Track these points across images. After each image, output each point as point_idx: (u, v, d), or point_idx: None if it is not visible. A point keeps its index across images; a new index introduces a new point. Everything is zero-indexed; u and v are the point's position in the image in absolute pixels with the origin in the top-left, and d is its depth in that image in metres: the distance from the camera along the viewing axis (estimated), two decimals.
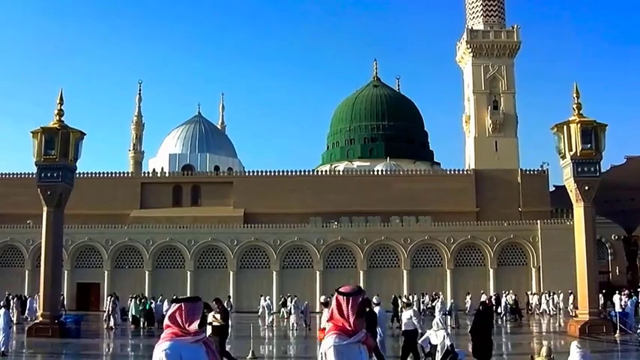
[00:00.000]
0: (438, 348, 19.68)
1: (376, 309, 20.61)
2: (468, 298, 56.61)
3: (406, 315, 20.81)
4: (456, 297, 55.52)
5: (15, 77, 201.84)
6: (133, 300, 44.50)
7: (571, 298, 52.35)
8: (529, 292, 61.02)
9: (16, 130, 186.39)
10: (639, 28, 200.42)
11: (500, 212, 70.28)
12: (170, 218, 69.51)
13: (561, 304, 55.46)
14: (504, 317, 50.60)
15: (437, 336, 19.95)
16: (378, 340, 20.37)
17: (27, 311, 48.47)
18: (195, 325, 5.64)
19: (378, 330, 20.28)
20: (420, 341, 20.94)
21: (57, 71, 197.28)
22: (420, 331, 20.85)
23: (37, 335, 31.80)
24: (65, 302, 54.48)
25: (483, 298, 47.63)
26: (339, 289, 5.94)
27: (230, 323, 21.48)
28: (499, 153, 78.13)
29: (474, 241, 65.36)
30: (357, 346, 5.72)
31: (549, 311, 54.87)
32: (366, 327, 18.80)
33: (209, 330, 20.79)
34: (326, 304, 21.61)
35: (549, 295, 56.66)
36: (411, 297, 51.36)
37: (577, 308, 38.55)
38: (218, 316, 20.77)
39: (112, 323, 41.22)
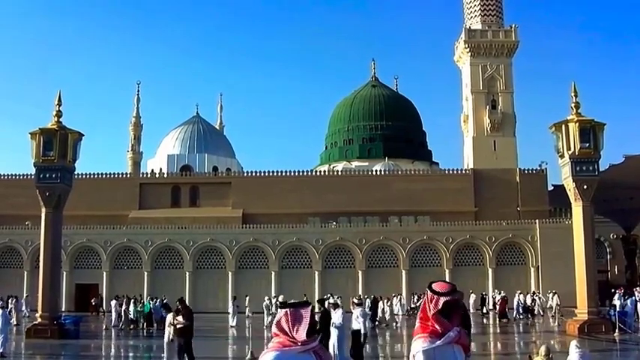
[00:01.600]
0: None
1: (358, 310, 20.48)
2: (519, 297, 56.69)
3: (354, 315, 20.63)
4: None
5: (13, 78, 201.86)
6: (131, 301, 44.48)
7: (556, 298, 52.48)
8: (518, 292, 61.00)
9: (14, 131, 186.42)
10: (638, 27, 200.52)
11: (499, 212, 70.31)
12: (169, 219, 69.49)
13: (548, 304, 55.43)
14: (516, 316, 50.67)
15: None
16: (335, 340, 20.39)
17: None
18: (302, 333, 5.15)
19: (335, 331, 20.23)
20: None
21: (55, 72, 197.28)
22: (363, 331, 20.54)
23: (36, 336, 31.76)
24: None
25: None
26: (432, 285, 5.61)
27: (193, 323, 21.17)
28: (497, 152, 78.17)
29: (472, 240, 65.38)
30: (449, 347, 5.41)
31: (537, 311, 54.79)
32: (319, 328, 18.83)
33: (167, 330, 20.76)
34: (336, 305, 21.62)
35: (534, 295, 56.72)
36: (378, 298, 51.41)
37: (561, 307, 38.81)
38: (180, 317, 20.69)
39: (121, 323, 41.56)
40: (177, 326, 20.05)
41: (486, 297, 57.64)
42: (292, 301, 5.76)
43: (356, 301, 22.11)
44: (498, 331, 42.91)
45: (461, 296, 5.61)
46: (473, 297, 57.32)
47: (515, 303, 51.73)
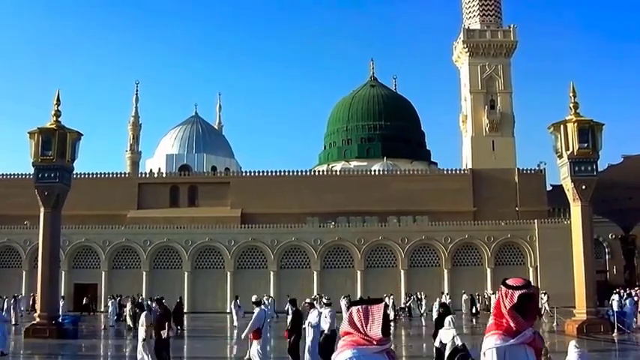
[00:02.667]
0: (448, 346, 19.66)
1: (326, 310, 20.42)
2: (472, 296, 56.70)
3: (322, 315, 20.58)
4: (453, 297, 55.59)
5: (12, 77, 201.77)
6: (129, 301, 44.47)
7: (545, 297, 52.62)
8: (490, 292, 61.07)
9: (13, 131, 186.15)
10: (636, 27, 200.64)
11: (498, 212, 70.31)
12: (167, 219, 69.47)
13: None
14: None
15: (447, 335, 19.96)
16: (310, 340, 20.38)
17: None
18: (377, 331, 4.82)
19: (310, 331, 20.23)
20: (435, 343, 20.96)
21: (54, 72, 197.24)
22: (330, 330, 20.45)
23: (35, 336, 31.74)
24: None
25: (444, 299, 48.03)
26: (505, 281, 5.37)
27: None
28: (496, 152, 78.24)
29: (471, 240, 65.36)
30: (521, 348, 5.16)
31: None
32: (291, 327, 18.58)
33: (142, 332, 20.71)
34: (312, 305, 21.57)
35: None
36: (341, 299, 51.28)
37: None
38: (143, 318, 20.58)
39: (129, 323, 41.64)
40: (163, 336, 19.98)
41: (476, 297, 57.53)
42: (365, 297, 5.45)
43: (325, 301, 22.08)
44: None
45: (536, 291, 5.36)
46: (464, 297, 57.38)
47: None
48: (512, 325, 5.12)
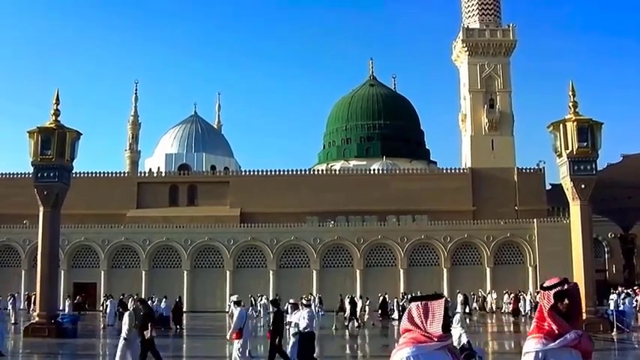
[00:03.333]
0: (455, 344, 19.60)
1: (305, 310, 20.41)
2: (506, 297, 56.78)
3: (300, 315, 20.54)
4: (452, 296, 55.53)
5: (11, 77, 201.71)
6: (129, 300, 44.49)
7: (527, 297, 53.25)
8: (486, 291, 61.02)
9: (12, 130, 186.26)
10: (636, 26, 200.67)
11: (497, 211, 70.33)
12: (167, 218, 69.50)
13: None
14: (528, 314, 50.99)
15: (453, 333, 19.99)
16: (291, 341, 20.40)
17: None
18: (437, 328, 4.69)
19: (292, 330, 20.22)
20: None
21: (53, 71, 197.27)
22: (309, 330, 20.37)
23: (34, 335, 31.71)
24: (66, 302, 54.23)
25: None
26: (543, 284, 5.20)
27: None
28: (495, 152, 78.31)
29: (470, 239, 65.34)
30: (566, 350, 4.95)
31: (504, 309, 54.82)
32: (272, 327, 18.45)
33: (124, 331, 20.70)
34: (296, 306, 21.56)
35: (509, 295, 56.95)
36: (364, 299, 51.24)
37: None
38: (126, 318, 20.52)
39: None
40: (147, 337, 19.92)
41: (471, 297, 57.56)
42: (425, 294, 5.28)
43: (304, 302, 22.10)
44: (498, 330, 42.92)
45: (574, 288, 5.14)
46: (460, 297, 57.20)
47: (527, 302, 52.19)
48: (554, 327, 4.97)
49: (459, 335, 19.61)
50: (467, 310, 54.85)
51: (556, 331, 4.93)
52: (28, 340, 31.26)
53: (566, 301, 5.01)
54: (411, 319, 4.78)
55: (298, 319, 20.05)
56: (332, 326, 42.13)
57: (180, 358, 31.43)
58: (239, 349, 18.83)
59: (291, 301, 23.39)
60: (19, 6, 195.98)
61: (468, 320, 47.81)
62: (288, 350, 20.21)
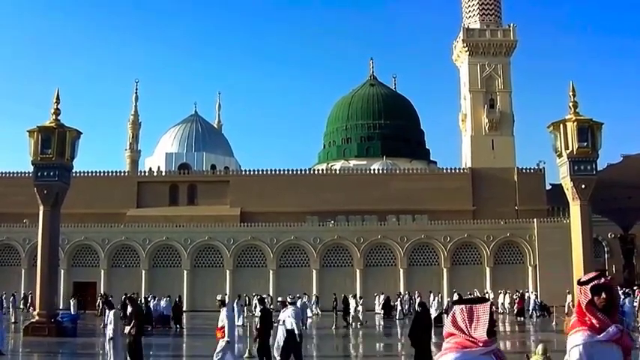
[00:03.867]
0: None
1: (290, 309, 20.41)
2: (501, 296, 56.80)
3: (286, 314, 20.55)
4: (453, 296, 55.50)
5: (11, 76, 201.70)
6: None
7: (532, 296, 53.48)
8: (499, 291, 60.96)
9: (12, 129, 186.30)
10: (636, 26, 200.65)
11: (497, 211, 70.29)
12: (167, 217, 69.48)
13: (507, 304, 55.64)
14: (533, 314, 51.01)
15: None
16: (280, 338, 20.40)
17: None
18: (482, 333, 4.53)
19: (281, 328, 20.23)
20: None
21: (53, 70, 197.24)
22: (297, 331, 20.36)
23: (34, 334, 31.75)
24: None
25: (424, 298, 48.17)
26: (580, 279, 5.02)
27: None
28: (495, 151, 78.32)
29: (470, 239, 65.32)
30: (609, 345, 4.80)
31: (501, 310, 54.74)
32: (260, 326, 18.40)
33: (110, 330, 20.70)
34: (284, 304, 21.56)
35: (504, 295, 56.92)
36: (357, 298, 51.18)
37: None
38: (111, 316, 20.52)
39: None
40: (126, 331, 19.92)
41: (463, 296, 57.58)
42: (469, 297, 5.12)
43: (289, 300, 22.16)
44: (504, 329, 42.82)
45: (612, 282, 4.96)
46: (456, 296, 57.21)
47: (532, 302, 52.17)
48: (594, 322, 4.82)
49: None
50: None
51: (597, 326, 4.80)
52: (27, 338, 31.31)
53: (603, 295, 4.86)
54: (454, 323, 4.63)
55: (285, 317, 20.12)
56: (332, 325, 42.19)
57: (180, 357, 31.50)
58: (220, 347, 18.75)
59: (280, 299, 23.52)
60: (19, 6, 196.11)
61: None
62: (275, 347, 20.25)
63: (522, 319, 48.70)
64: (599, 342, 4.75)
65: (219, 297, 20.09)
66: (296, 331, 19.69)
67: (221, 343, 18.55)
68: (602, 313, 4.82)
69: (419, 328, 18.90)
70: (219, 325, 18.60)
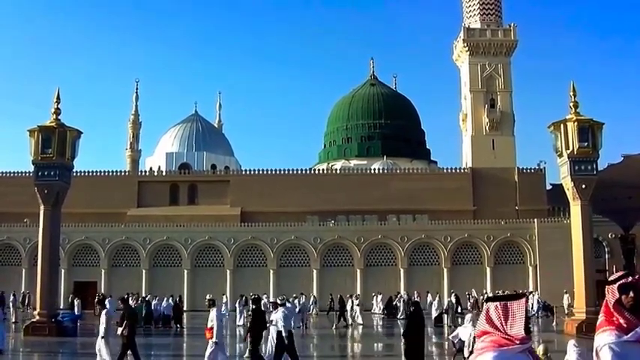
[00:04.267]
0: (466, 344, 19.80)
1: (280, 310, 20.43)
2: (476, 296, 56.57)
3: (277, 315, 20.57)
4: (451, 296, 55.48)
5: (12, 76, 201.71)
6: (129, 299, 44.61)
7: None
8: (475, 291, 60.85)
9: (12, 129, 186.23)
10: (636, 26, 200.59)
11: (498, 211, 70.31)
12: (167, 217, 69.51)
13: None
14: (537, 314, 51.07)
15: (465, 332, 20.15)
16: (272, 339, 20.41)
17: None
18: (519, 330, 4.42)
19: (273, 329, 20.25)
20: (450, 337, 21.45)
21: (54, 70, 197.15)
22: (284, 333, 20.33)
23: (34, 334, 31.75)
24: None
25: (418, 297, 48.20)
26: (609, 278, 4.84)
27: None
28: (496, 151, 78.27)
29: (471, 239, 65.35)
30: (636, 346, 4.65)
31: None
32: (252, 326, 18.44)
33: (102, 329, 20.71)
34: (276, 304, 21.57)
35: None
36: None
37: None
38: (103, 316, 20.49)
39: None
40: (118, 333, 19.93)
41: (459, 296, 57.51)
42: (503, 294, 4.88)
43: (279, 301, 22.18)
44: None
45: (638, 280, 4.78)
46: (453, 297, 56.99)
47: (535, 302, 52.20)
48: (622, 322, 4.67)
49: (470, 334, 19.75)
50: (459, 309, 54.92)
51: (624, 325, 4.66)
52: (28, 338, 31.31)
53: (631, 294, 4.70)
54: (489, 321, 4.50)
55: (276, 318, 20.17)
56: (332, 325, 42.21)
57: (181, 357, 31.49)
58: (210, 348, 18.72)
59: (271, 299, 23.54)
60: (19, 6, 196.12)
61: (459, 320, 47.93)
62: (267, 347, 20.27)
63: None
64: (627, 342, 4.62)
65: (208, 296, 20.06)
66: (283, 333, 19.73)
67: (210, 344, 18.55)
68: (630, 312, 4.69)
69: (413, 328, 18.77)
70: (209, 325, 18.61)
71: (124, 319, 20.11)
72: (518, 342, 4.40)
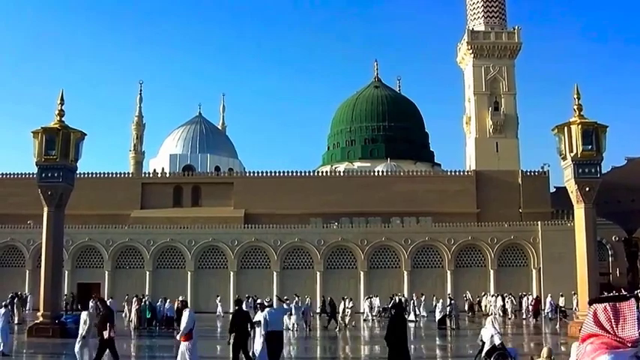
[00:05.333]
0: (487, 345, 19.91)
1: (266, 310, 20.42)
2: (484, 299, 56.38)
3: (260, 315, 20.56)
4: (456, 298, 55.49)
5: (16, 77, 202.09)
6: (133, 301, 44.69)
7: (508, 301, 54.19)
8: (482, 294, 60.64)
9: (16, 130, 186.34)
10: None
11: (501, 213, 70.22)
12: (171, 219, 69.49)
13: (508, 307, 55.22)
14: (548, 315, 50.93)
15: (486, 333, 20.39)
16: (256, 341, 20.43)
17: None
18: (632, 332, 4.25)
19: (259, 330, 20.25)
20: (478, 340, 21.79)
21: (58, 71, 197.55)
22: (262, 332, 20.32)
23: (38, 335, 31.76)
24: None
25: (402, 299, 48.20)
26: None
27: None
28: (500, 154, 78.23)
29: (474, 242, 65.32)
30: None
31: (498, 313, 54.36)
32: (236, 326, 18.43)
33: (82, 330, 20.72)
34: (262, 306, 21.54)
35: (496, 298, 56.47)
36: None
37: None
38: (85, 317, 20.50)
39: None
40: (105, 337, 19.91)
41: (464, 300, 57.48)
42: (615, 294, 4.67)
43: (266, 303, 22.15)
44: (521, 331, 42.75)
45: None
46: (448, 300, 56.73)
47: (548, 304, 52.02)
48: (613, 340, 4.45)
49: (490, 335, 19.90)
50: (508, 310, 54.97)
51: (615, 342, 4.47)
52: (31, 340, 31.32)
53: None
54: (598, 323, 4.36)
55: (260, 318, 20.21)
56: (335, 327, 42.22)
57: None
58: (187, 351, 18.58)
59: (259, 301, 23.63)
60: (23, 7, 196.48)
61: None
62: (256, 349, 20.29)
63: (536, 320, 48.48)
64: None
65: (180, 298, 19.97)
66: (262, 332, 19.80)
67: (185, 346, 18.36)
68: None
69: (395, 330, 18.55)
70: (181, 326, 18.55)
71: (106, 321, 20.07)
72: (630, 344, 4.27)
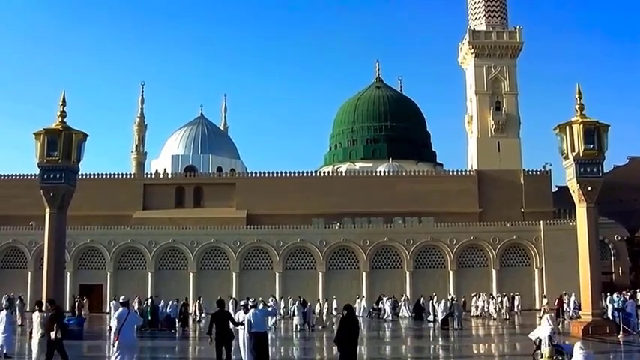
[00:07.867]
0: (544, 342, 21.60)
1: (250, 312, 20.42)
2: (475, 299, 56.14)
3: (246, 316, 20.53)
4: (459, 298, 55.43)
5: (17, 78, 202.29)
6: (135, 301, 44.70)
7: (505, 301, 53.86)
8: (473, 294, 60.43)
9: (18, 132, 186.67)
10: None
11: (503, 213, 70.19)
12: (173, 220, 69.49)
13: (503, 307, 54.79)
14: (572, 315, 50.79)
15: (542, 331, 22.09)
16: (245, 337, 20.44)
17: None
18: None
19: (244, 330, 20.33)
20: (530, 335, 23.41)
21: (59, 72, 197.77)
22: (246, 333, 20.30)
23: (40, 336, 31.72)
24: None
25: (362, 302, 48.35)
26: None
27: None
28: (501, 154, 78.25)
29: (476, 242, 65.29)
30: None
31: (490, 313, 54.04)
32: (217, 326, 18.46)
33: (36, 327, 20.72)
34: (246, 307, 21.53)
35: (491, 298, 56.14)
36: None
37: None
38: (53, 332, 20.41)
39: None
40: (52, 337, 19.88)
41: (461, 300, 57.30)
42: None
43: (250, 304, 22.13)
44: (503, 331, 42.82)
45: None
46: (443, 301, 56.14)
47: (572, 303, 51.78)
48: None
49: (547, 333, 20.68)
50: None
51: None
52: (33, 341, 31.30)
53: None
54: None
55: (244, 319, 20.25)
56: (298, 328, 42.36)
57: (181, 359, 31.50)
58: (117, 352, 18.13)
59: (242, 302, 23.69)
60: (24, 7, 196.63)
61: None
62: (244, 350, 20.34)
63: (559, 319, 48.42)
64: None
65: (121, 299, 19.66)
66: (245, 332, 19.87)
67: (115, 346, 18.08)
68: None
69: (345, 332, 18.34)
70: (111, 324, 18.41)
71: (54, 322, 20.06)
72: None
